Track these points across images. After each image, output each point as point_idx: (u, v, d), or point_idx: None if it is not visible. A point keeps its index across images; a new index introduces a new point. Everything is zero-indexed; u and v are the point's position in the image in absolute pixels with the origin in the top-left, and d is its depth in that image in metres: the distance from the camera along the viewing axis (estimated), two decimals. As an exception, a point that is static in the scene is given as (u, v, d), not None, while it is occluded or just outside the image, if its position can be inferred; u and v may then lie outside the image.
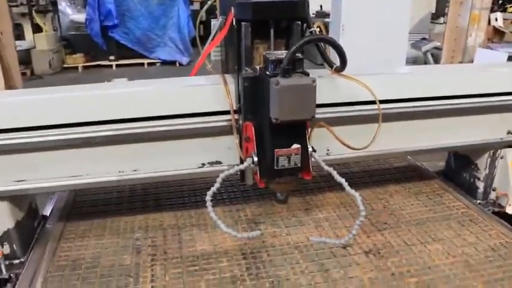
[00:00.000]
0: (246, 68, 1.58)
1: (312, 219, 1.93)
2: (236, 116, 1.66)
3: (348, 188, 1.49)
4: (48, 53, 8.54)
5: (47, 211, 2.08)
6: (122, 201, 2.11)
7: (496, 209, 2.16)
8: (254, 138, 1.52)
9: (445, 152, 2.44)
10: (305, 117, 1.43)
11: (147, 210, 2.02)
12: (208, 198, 1.45)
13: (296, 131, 1.49)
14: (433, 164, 2.54)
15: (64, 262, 1.68)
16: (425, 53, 7.14)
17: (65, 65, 9.21)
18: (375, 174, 2.36)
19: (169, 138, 1.70)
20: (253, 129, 1.53)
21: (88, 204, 2.10)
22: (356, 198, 1.46)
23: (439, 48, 6.56)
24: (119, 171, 1.72)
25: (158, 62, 9.51)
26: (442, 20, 8.05)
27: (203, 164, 1.76)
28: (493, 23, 6.39)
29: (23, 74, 7.39)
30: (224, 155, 1.75)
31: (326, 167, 1.55)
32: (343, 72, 1.66)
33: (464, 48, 5.74)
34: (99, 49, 9.19)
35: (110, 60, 9.31)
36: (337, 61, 1.66)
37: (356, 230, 1.52)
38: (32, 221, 1.92)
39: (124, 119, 1.63)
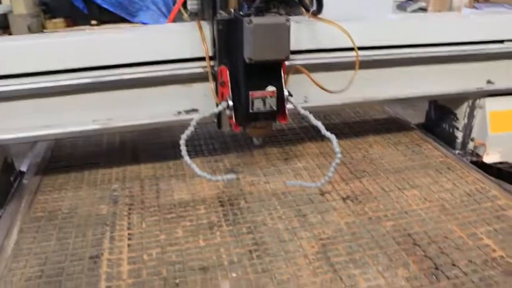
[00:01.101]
0: (221, 12, 1.54)
1: (291, 168, 1.93)
2: (212, 63, 1.63)
3: (323, 130, 1.48)
4: (27, 18, 8.29)
5: (24, 168, 2.05)
6: (99, 154, 2.09)
7: (474, 159, 2.17)
8: (229, 83, 1.50)
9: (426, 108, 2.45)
10: (279, 57, 1.41)
11: (125, 163, 2.00)
12: (182, 142, 1.43)
13: (271, 73, 1.47)
14: (416, 121, 2.55)
15: (41, 213, 1.67)
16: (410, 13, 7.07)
17: (44, 31, 8.98)
18: (355, 126, 2.36)
19: (145, 86, 1.67)
20: (228, 74, 1.51)
21: (65, 159, 2.07)
22: (332, 140, 1.45)
23: (424, 9, 6.50)
24: (93, 120, 1.68)
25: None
26: (429, -19, 7.95)
27: (179, 112, 1.73)
28: (479, -18, 6.32)
29: (2, 39, 7.20)
30: (200, 103, 1.73)
31: (302, 111, 1.54)
32: (321, 16, 1.63)
33: (449, 8, 5.69)
34: (80, 13, 8.94)
35: (92, 25, 9.07)
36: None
37: (332, 172, 1.51)
38: (7, 175, 1.90)
39: (98, 66, 1.60)
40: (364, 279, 1.32)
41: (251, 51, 1.36)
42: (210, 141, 2.18)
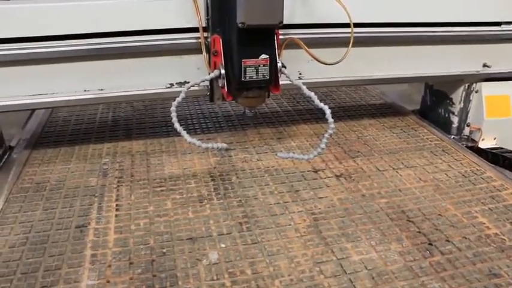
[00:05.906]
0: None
1: (284, 147, 1.91)
2: (205, 34, 1.60)
3: (317, 101, 1.45)
4: None
5: (14, 143, 2.01)
6: (91, 131, 2.06)
7: (470, 144, 2.15)
8: (222, 51, 1.47)
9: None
10: (272, 22, 1.37)
11: (117, 139, 1.97)
12: (173, 108, 1.40)
13: (264, 41, 1.44)
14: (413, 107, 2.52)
15: (28, 184, 1.63)
16: None
17: None
18: (350, 110, 2.34)
19: (137, 56, 1.63)
20: (221, 42, 1.48)
21: (56, 135, 2.04)
22: (325, 110, 1.42)
23: None
24: (85, 90, 1.65)
25: None
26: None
27: (171, 85, 1.70)
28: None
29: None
30: (193, 76, 1.68)
31: (296, 82, 1.51)
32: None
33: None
34: None
35: None
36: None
37: (324, 143, 1.48)
38: (-4, 148, 1.87)
39: (89, 33, 1.56)
40: (356, 253, 1.30)
41: (244, 15, 1.33)
42: (203, 121, 2.16)
